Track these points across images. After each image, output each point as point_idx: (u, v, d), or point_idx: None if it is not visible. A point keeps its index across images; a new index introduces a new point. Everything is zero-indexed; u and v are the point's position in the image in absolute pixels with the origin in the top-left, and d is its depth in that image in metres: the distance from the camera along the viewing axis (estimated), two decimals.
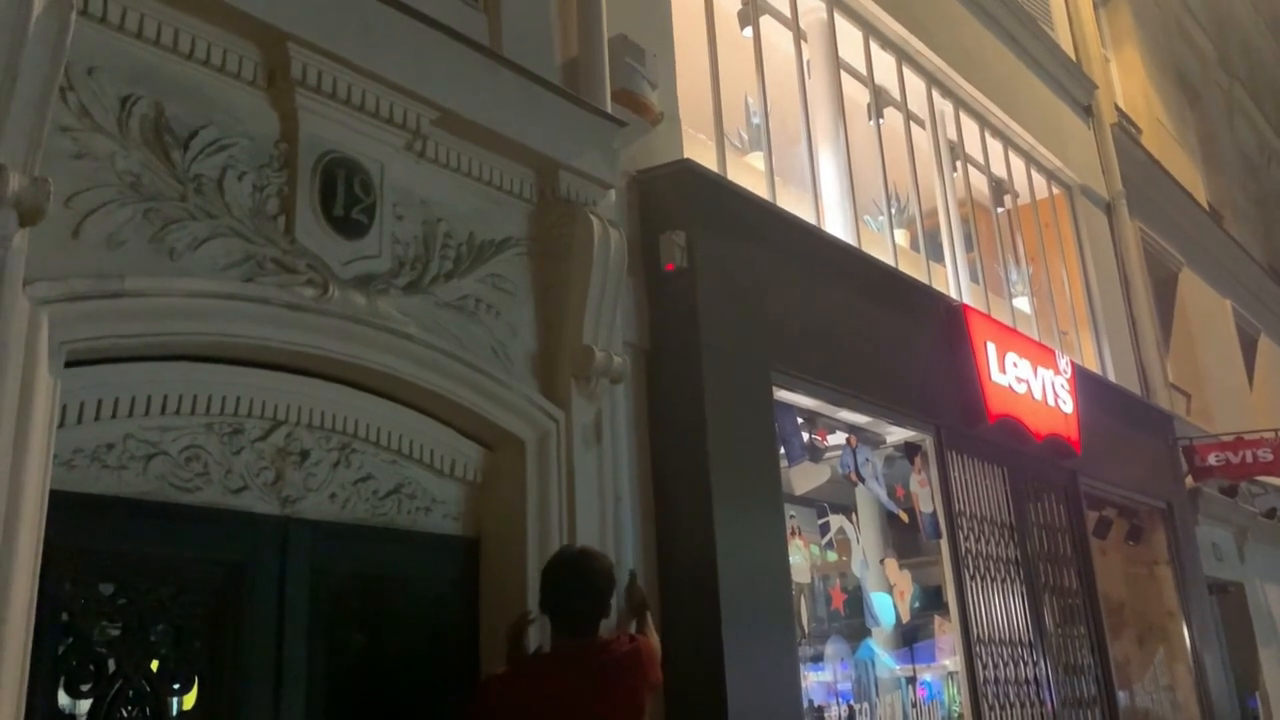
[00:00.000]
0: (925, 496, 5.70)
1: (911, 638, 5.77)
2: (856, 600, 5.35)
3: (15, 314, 2.47)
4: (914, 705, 5.39)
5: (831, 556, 5.39)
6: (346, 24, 3.31)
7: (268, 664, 3.06)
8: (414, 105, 3.50)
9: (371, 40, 3.37)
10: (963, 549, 5.80)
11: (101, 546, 2.79)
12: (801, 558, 4.83)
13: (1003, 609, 6.06)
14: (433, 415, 3.62)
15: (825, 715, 5.25)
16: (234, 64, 3.10)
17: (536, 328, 3.95)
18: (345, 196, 3.32)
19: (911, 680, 5.50)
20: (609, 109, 4.25)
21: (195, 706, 2.92)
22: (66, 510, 2.62)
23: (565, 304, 3.98)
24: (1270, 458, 9.70)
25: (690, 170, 4.65)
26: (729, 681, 3.98)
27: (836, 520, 5.03)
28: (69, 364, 2.63)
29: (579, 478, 3.85)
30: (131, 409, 2.83)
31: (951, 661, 5.70)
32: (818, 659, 5.14)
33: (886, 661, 5.51)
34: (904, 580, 5.40)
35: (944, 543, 5.72)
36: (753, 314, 4.74)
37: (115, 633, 2.80)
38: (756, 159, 5.99)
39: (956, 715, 5.67)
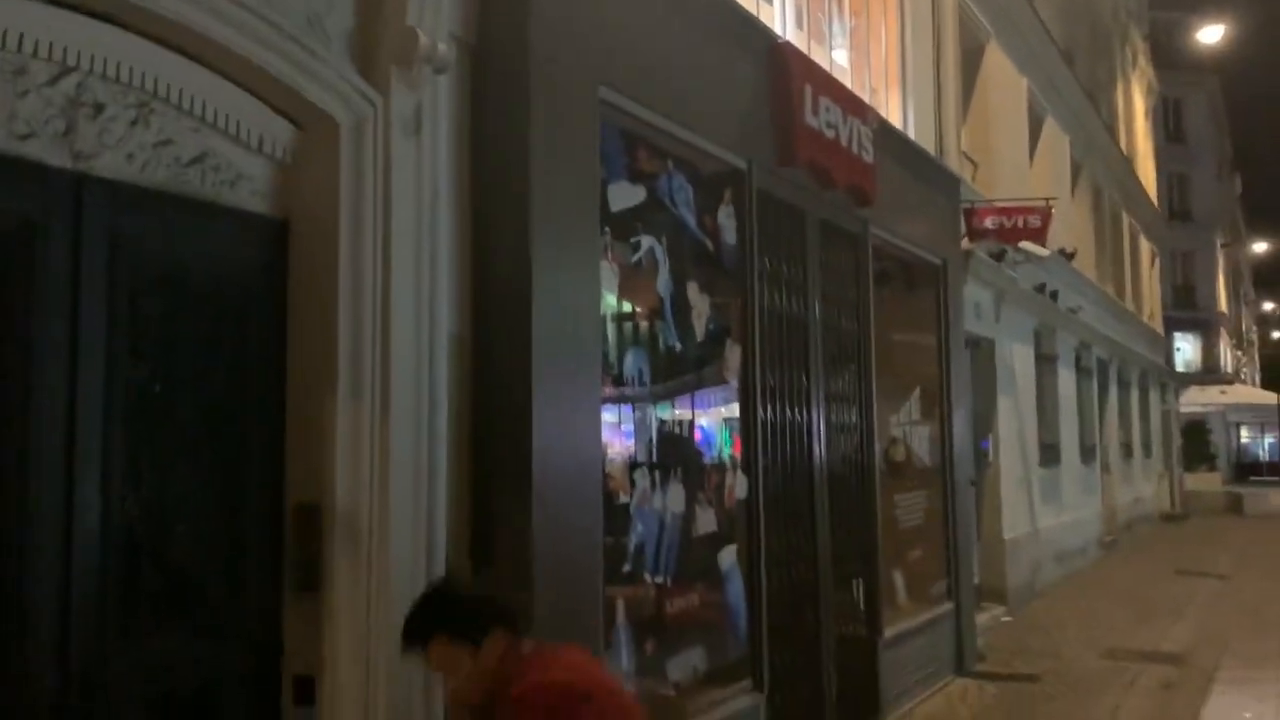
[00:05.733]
0: (730, 228, 5.90)
1: (701, 364, 5.95)
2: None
3: None
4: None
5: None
6: None
7: (62, 331, 2.91)
8: None
9: None
10: (756, 283, 6.10)
11: None
12: (610, 275, 4.87)
13: (785, 340, 6.50)
14: (240, 84, 3.40)
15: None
16: None
17: (355, 3, 3.71)
18: None
19: (691, 424, 5.64)
20: None
21: None
22: None
23: None
24: (1038, 224, 10.66)
25: None
26: (535, 419, 4.05)
27: (647, 240, 5.15)
28: None
29: (396, 167, 3.75)
30: None
31: (727, 409, 5.97)
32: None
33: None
34: (702, 303, 5.63)
35: (742, 270, 6.00)
36: (585, 24, 4.60)
37: None
38: None
39: (728, 456, 5.99)
